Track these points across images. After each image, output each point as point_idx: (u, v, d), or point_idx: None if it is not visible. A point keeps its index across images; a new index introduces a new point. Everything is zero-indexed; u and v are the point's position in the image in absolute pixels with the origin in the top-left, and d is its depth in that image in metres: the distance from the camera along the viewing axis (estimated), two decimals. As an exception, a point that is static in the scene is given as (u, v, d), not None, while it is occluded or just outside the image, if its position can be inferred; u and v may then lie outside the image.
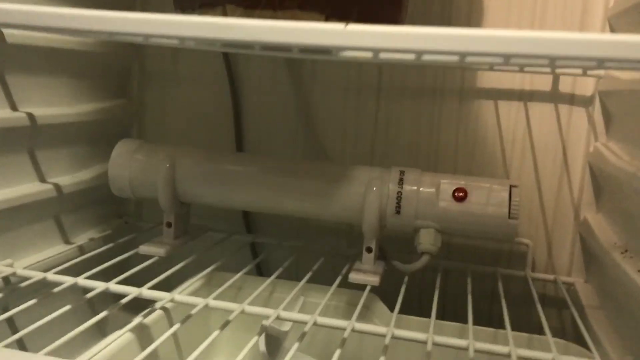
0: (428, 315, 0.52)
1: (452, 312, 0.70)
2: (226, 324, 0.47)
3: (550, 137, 0.65)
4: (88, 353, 0.43)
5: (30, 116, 0.57)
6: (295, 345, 0.44)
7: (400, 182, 0.58)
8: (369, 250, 0.60)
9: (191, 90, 0.75)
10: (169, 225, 0.64)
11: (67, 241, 0.66)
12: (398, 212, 0.58)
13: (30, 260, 0.59)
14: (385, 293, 0.60)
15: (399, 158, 0.69)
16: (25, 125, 0.56)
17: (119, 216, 0.76)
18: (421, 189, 0.57)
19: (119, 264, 0.58)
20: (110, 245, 0.64)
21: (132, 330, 0.48)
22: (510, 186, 0.57)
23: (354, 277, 0.58)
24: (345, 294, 0.63)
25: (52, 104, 0.61)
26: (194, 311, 0.49)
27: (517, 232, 0.55)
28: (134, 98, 0.76)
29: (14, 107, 0.56)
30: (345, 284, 0.59)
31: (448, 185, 0.57)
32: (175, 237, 0.64)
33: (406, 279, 0.59)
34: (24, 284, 0.51)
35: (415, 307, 0.65)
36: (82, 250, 0.65)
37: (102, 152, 0.71)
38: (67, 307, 0.47)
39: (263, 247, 0.75)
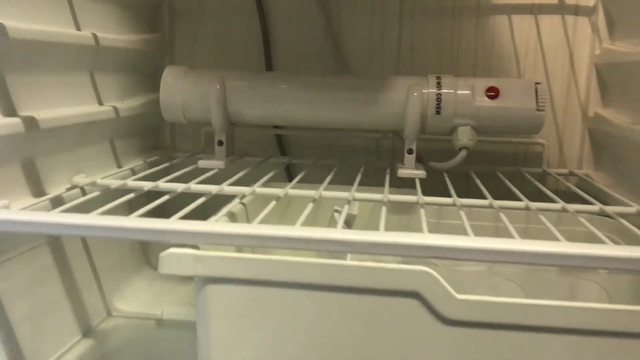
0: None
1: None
2: (313, 200, 0.51)
3: (558, 46, 0.73)
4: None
5: (94, 37, 0.60)
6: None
7: (439, 85, 0.64)
8: (410, 151, 0.66)
9: (219, 22, 0.79)
10: (220, 143, 0.68)
11: (119, 165, 0.69)
12: (438, 113, 0.64)
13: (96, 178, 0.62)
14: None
15: (423, 73, 0.75)
16: (89, 44, 0.59)
17: (155, 148, 0.80)
18: (458, 91, 0.64)
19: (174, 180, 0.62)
20: (164, 166, 0.68)
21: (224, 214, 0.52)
22: (535, 83, 0.64)
23: (403, 172, 0.64)
24: (391, 193, 0.67)
25: (105, 30, 0.64)
26: (284, 194, 0.54)
27: (543, 123, 0.63)
28: (165, 33, 0.79)
29: (78, 28, 0.59)
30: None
31: (481, 85, 0.64)
32: (226, 154, 0.68)
33: (442, 181, 0.66)
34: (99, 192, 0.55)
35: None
36: (134, 172, 0.68)
37: (141, 83, 0.74)
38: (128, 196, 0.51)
39: (297, 168, 0.80)
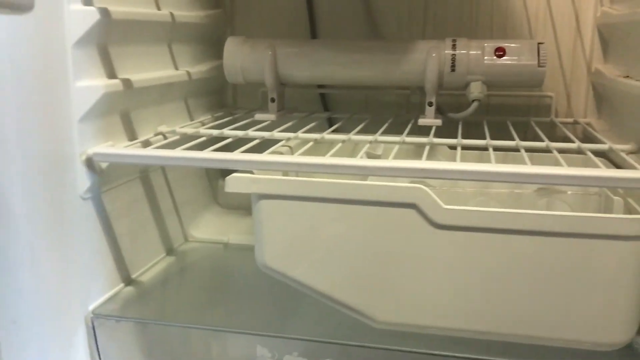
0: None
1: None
2: (342, 141, 0.65)
3: (565, 9, 0.83)
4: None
5: (171, 15, 0.75)
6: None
7: (454, 47, 0.76)
8: (430, 104, 0.78)
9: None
10: (272, 100, 0.82)
11: (191, 119, 0.85)
12: (453, 70, 0.76)
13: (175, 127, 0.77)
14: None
15: (445, 36, 0.87)
16: (167, 21, 0.74)
17: (220, 106, 0.95)
18: (470, 51, 0.75)
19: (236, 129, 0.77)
20: (227, 119, 0.83)
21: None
22: (538, 43, 0.75)
23: (422, 121, 0.77)
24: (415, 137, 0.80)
25: (178, 9, 0.79)
26: (320, 137, 0.68)
27: (544, 77, 0.73)
28: (226, 8, 0.94)
29: (158, 8, 0.74)
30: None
31: (490, 46, 0.75)
32: (277, 110, 0.82)
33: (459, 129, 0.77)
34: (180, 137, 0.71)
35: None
36: (203, 124, 0.83)
37: (208, 52, 0.89)
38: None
39: (337, 122, 0.94)
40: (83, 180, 0.61)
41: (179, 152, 0.58)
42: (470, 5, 0.86)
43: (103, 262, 0.66)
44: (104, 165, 0.62)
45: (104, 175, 0.63)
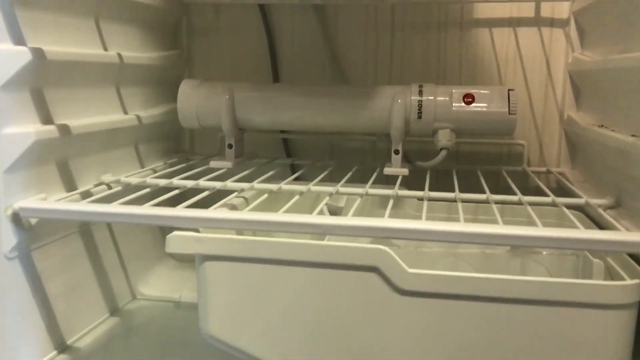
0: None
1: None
2: (300, 194, 0.60)
3: (536, 55, 0.80)
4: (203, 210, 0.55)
5: (119, 56, 0.69)
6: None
7: (420, 93, 0.72)
8: (397, 152, 0.74)
9: (231, 39, 0.88)
10: (230, 146, 0.77)
11: (142, 166, 0.79)
12: (420, 117, 0.71)
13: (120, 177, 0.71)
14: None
15: (412, 81, 0.83)
16: (114, 62, 0.69)
17: (176, 151, 0.89)
18: (437, 97, 0.71)
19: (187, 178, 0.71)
20: (181, 166, 0.77)
21: (225, 205, 0.61)
22: (508, 90, 0.71)
23: (388, 170, 0.72)
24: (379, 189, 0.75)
25: (129, 50, 0.74)
26: (277, 189, 0.62)
27: (515, 125, 0.70)
28: (184, 49, 0.89)
29: (105, 48, 0.69)
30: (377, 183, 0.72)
31: (459, 92, 0.71)
32: (235, 156, 0.77)
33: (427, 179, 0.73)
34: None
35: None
36: (154, 172, 0.77)
37: (163, 95, 0.84)
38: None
39: (300, 168, 0.89)
40: (8, 238, 0.54)
41: (115, 207, 0.52)
42: (438, 49, 0.83)
43: (31, 327, 0.59)
44: (33, 220, 0.56)
45: (33, 231, 0.57)
